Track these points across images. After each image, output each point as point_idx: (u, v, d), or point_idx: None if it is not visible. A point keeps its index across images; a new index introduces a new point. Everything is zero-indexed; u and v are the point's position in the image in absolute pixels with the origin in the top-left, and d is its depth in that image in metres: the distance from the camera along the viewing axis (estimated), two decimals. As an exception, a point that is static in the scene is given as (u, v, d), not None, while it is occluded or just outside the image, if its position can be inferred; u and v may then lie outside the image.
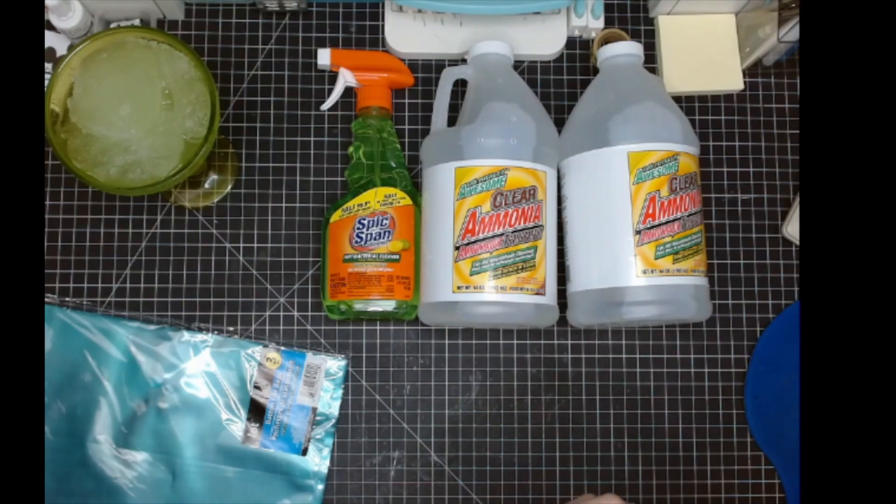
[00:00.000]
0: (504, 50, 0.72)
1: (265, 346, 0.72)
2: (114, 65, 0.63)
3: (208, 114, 0.63)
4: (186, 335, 0.72)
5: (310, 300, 0.74)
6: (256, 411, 0.71)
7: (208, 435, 0.71)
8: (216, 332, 0.72)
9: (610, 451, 0.74)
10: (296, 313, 0.74)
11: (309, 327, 0.74)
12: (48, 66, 0.74)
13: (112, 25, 0.75)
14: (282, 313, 0.74)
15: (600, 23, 0.76)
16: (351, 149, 0.74)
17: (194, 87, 0.64)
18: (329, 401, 0.72)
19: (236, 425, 0.71)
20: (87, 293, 0.73)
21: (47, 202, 0.74)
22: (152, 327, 0.72)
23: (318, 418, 0.71)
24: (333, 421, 0.72)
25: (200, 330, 0.72)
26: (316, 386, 0.71)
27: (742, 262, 0.76)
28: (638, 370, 0.75)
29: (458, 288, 0.66)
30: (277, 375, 0.71)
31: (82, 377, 0.71)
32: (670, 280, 0.66)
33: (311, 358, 0.72)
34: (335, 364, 0.72)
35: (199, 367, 0.72)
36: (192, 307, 0.73)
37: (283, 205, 0.75)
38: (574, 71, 0.78)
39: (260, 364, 0.72)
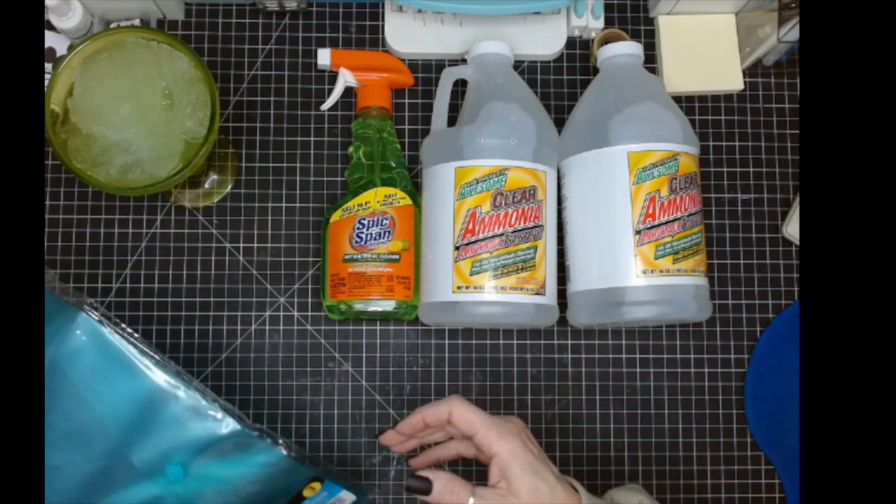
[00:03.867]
0: (504, 50, 0.72)
1: (317, 475, 0.62)
2: (114, 65, 0.63)
3: (208, 114, 0.63)
4: (233, 424, 0.58)
5: (310, 300, 0.74)
6: None
7: None
8: (277, 444, 0.60)
9: (610, 451, 0.74)
10: (296, 313, 0.74)
11: (309, 327, 0.74)
12: (48, 66, 0.74)
13: (112, 25, 0.75)
14: (282, 313, 0.74)
15: (600, 23, 0.76)
16: (351, 149, 0.74)
17: (194, 87, 0.64)
18: None
19: None
20: (87, 293, 0.73)
21: (47, 202, 0.74)
22: (203, 401, 0.58)
23: None
24: None
25: (264, 436, 0.60)
26: None
27: (742, 262, 0.76)
28: (638, 370, 0.75)
29: (458, 288, 0.66)
30: (306, 501, 0.63)
31: (79, 413, 0.57)
32: (670, 280, 0.66)
33: (344, 493, 0.65)
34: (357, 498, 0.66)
35: (243, 474, 0.59)
36: (192, 307, 0.73)
37: (283, 205, 0.75)
38: (574, 71, 0.78)
39: (300, 490, 0.62)
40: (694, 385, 0.75)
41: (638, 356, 0.75)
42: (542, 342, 0.75)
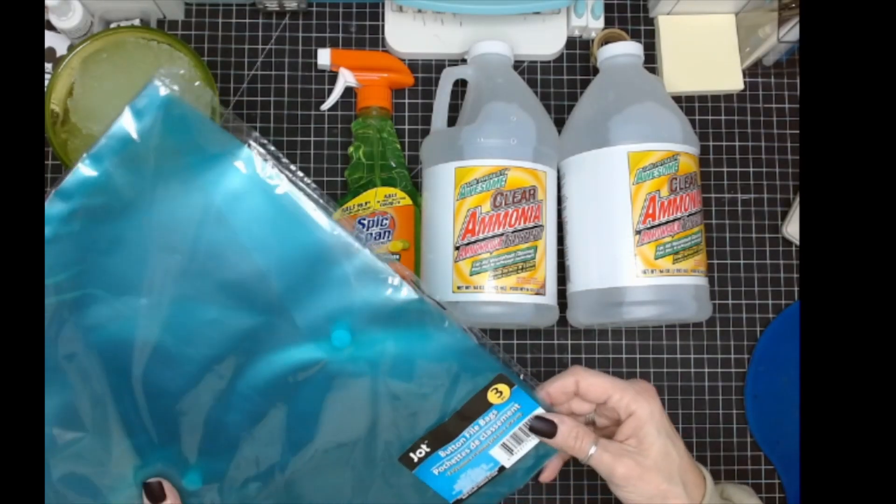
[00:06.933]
0: (504, 50, 0.72)
1: (502, 376, 0.54)
2: (114, 65, 0.63)
3: (208, 114, 0.63)
4: (411, 293, 0.51)
5: (310, 300, 0.74)
6: (439, 434, 0.54)
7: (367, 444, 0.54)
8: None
9: (610, 451, 0.73)
10: (296, 313, 0.74)
11: (309, 327, 0.74)
12: (48, 66, 0.74)
13: (112, 25, 0.75)
14: (282, 313, 0.74)
15: (600, 23, 0.76)
16: (351, 149, 0.74)
17: (194, 87, 0.64)
18: (523, 470, 0.57)
19: (404, 434, 0.54)
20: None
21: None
22: (380, 263, 0.52)
23: (498, 478, 0.56)
24: (506, 492, 0.57)
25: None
26: (524, 445, 0.55)
27: (742, 262, 0.76)
28: (638, 370, 0.75)
29: (458, 288, 0.66)
30: (491, 412, 0.54)
31: (239, 263, 0.51)
32: (670, 280, 0.66)
33: (539, 413, 0.55)
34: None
35: (416, 352, 0.52)
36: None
37: (283, 205, 0.75)
38: (574, 71, 0.78)
39: (484, 389, 0.54)
40: (694, 385, 0.75)
41: (638, 356, 0.75)
42: (542, 342, 0.75)
